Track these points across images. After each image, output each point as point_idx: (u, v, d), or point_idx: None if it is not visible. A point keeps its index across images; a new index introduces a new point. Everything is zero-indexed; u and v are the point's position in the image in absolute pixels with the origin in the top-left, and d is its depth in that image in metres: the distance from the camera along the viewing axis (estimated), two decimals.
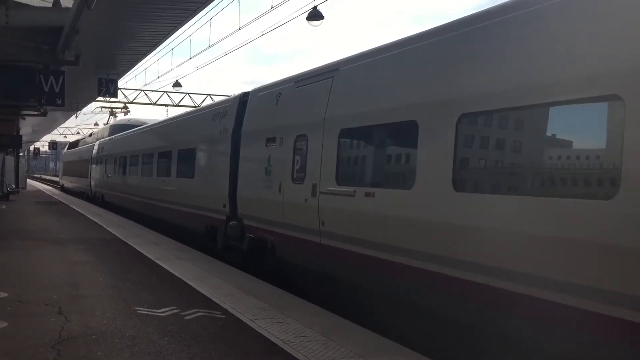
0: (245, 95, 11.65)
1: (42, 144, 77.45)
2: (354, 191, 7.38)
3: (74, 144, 46.00)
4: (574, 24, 4.95)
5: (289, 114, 9.56)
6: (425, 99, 6.46)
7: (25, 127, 37.26)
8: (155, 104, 36.64)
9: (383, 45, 7.76)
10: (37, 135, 59.35)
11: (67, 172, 43.60)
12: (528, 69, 5.24)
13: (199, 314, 6.73)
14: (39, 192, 40.75)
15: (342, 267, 7.76)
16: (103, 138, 29.89)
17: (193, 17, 14.08)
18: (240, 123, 11.39)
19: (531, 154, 5.37)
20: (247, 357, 5.35)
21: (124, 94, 34.71)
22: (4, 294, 7.48)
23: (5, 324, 6.11)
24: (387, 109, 7.08)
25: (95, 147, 30.01)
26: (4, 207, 23.92)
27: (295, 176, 8.89)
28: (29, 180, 54.10)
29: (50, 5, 14.61)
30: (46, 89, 15.88)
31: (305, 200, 8.43)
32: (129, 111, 40.84)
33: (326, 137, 8.15)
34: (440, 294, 6.00)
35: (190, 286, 8.32)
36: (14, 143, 30.81)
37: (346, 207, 7.58)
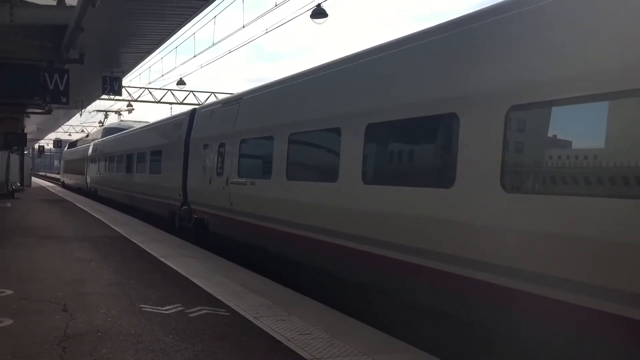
0: (194, 111, 15.33)
1: (47, 142, 77.68)
2: (246, 181, 10.95)
3: (73, 144, 50.51)
4: None
5: (216, 127, 13.08)
6: (277, 121, 10.03)
7: (30, 125, 37.37)
8: (159, 102, 36.67)
9: (268, 83, 11.30)
10: (42, 133, 59.51)
11: (66, 170, 47.95)
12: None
13: (204, 311, 6.74)
14: (44, 189, 40.85)
15: (244, 233, 11.14)
16: (97, 139, 34.11)
17: (197, 15, 14.08)
18: (190, 132, 14.87)
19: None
20: (252, 354, 5.36)
21: (128, 92, 34.79)
22: (9, 292, 7.51)
23: (10, 322, 6.13)
24: (266, 127, 10.36)
25: (90, 148, 33.85)
26: (9, 204, 24.00)
27: (218, 172, 12.48)
28: (33, 178, 54.35)
29: (54, 3, 14.63)
30: (51, 87, 15.90)
31: (223, 188, 12.03)
32: (133, 109, 40.94)
33: (234, 144, 11.69)
34: (288, 246, 9.30)
35: (195, 284, 8.33)
36: (19, 141, 30.96)
37: (243, 192, 11.08)
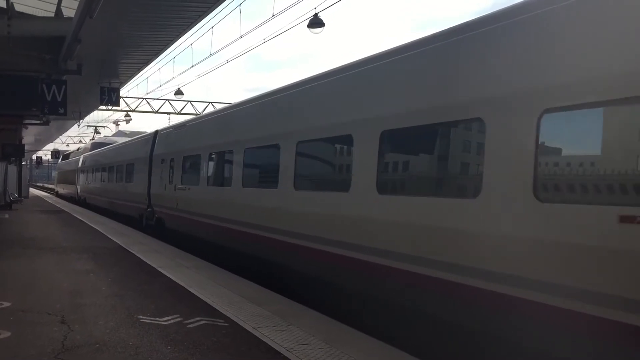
0: (156, 132, 18.89)
1: (45, 153, 77.62)
2: (186, 187, 14.71)
3: (66, 157, 55.37)
4: None
5: (169, 146, 16.95)
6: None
7: (28, 136, 37.36)
8: (157, 112, 36.70)
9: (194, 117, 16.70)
10: (40, 144, 59.48)
11: (60, 181, 53.54)
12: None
13: (202, 322, 6.72)
14: (42, 200, 40.77)
15: (185, 226, 14.73)
16: (86, 152, 38.05)
17: (194, 25, 14.13)
18: (153, 149, 18.50)
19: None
20: None
21: (126, 102, 34.79)
22: (7, 303, 7.48)
23: (8, 334, 6.10)
24: (207, 145, 13.51)
25: (80, 160, 38.11)
26: (6, 216, 23.94)
27: (169, 180, 16.20)
28: (31, 189, 54.24)
29: (52, 15, 14.67)
30: (48, 98, 15.95)
31: (172, 192, 15.80)
32: (131, 119, 41.02)
33: (178, 160, 15.56)
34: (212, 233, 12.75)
35: (193, 294, 8.31)
36: (17, 152, 30.92)
37: (184, 195, 14.84)
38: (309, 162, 9.25)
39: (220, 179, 12.91)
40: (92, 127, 48.48)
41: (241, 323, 6.70)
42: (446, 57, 6.36)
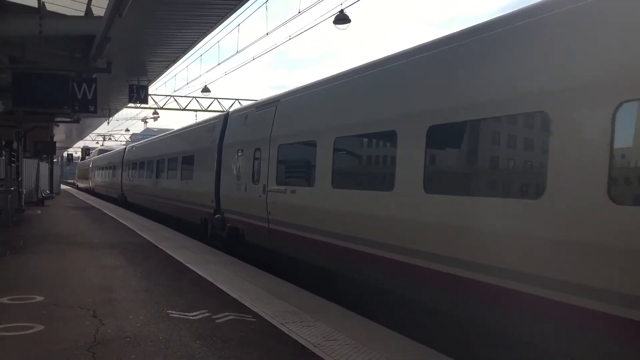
0: (128, 144, 23.78)
1: (75, 150, 79.13)
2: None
3: (83, 157, 69.23)
4: None
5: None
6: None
7: (59, 133, 38.06)
8: (184, 109, 37.01)
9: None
10: (70, 141, 60.68)
11: (79, 177, 68.33)
12: None
13: (230, 317, 6.78)
14: (73, 197, 41.50)
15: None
16: (95, 156, 52.80)
17: (221, 23, 14.20)
18: (122, 159, 20.90)
19: None
20: None
21: (154, 100, 35.19)
22: (40, 297, 7.65)
23: (41, 327, 6.24)
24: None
25: (92, 161, 52.55)
26: (39, 212, 24.43)
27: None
28: (62, 186, 55.50)
29: (82, 14, 14.90)
30: (79, 96, 16.19)
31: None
32: (159, 116, 41.55)
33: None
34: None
35: (221, 289, 8.39)
36: (48, 149, 31.54)
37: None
38: None
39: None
40: (121, 124, 55.56)
41: (268, 318, 6.74)
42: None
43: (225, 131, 14.15)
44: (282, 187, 10.27)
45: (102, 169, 41.24)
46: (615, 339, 4.39)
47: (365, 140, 8.24)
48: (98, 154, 52.06)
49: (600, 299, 4.39)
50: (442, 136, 6.45)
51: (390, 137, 7.28)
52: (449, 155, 6.75)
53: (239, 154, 12.66)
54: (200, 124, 17.97)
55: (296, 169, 10.30)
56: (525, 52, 5.47)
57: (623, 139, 4.40)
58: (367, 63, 8.53)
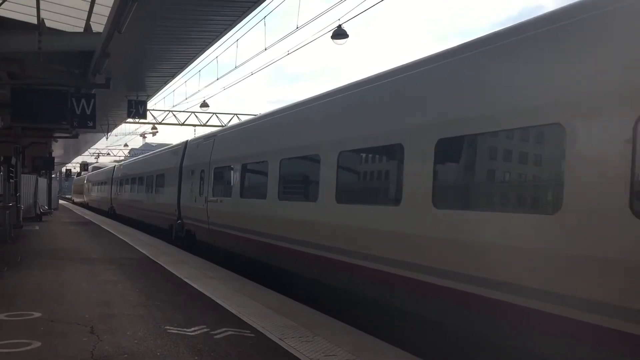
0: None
1: (74, 166, 79.12)
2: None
3: (79, 174, 74.15)
4: None
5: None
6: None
7: (57, 149, 38.07)
8: (183, 124, 37.07)
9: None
10: (69, 156, 60.69)
11: (75, 192, 73.43)
12: None
13: (229, 332, 6.74)
14: (71, 212, 41.45)
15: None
16: (89, 173, 57.97)
17: (220, 39, 14.28)
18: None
19: None
20: None
21: (152, 115, 35.23)
22: (38, 314, 7.61)
23: (39, 344, 6.20)
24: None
25: (86, 177, 57.20)
26: (37, 227, 24.37)
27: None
28: (60, 201, 55.48)
29: (81, 30, 14.97)
30: (78, 112, 16.23)
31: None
32: (157, 131, 41.66)
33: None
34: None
35: (220, 305, 8.35)
36: (47, 165, 31.55)
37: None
38: None
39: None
40: (120, 139, 56.86)
41: (267, 334, 6.71)
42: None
43: (184, 155, 18.10)
44: (216, 198, 14.15)
45: (95, 185, 46.48)
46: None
47: (302, 161, 9.85)
48: (92, 171, 58.41)
49: (624, 318, 4.20)
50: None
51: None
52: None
53: (192, 174, 16.53)
54: (169, 148, 22.51)
55: (224, 184, 14.06)
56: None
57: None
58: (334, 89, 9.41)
